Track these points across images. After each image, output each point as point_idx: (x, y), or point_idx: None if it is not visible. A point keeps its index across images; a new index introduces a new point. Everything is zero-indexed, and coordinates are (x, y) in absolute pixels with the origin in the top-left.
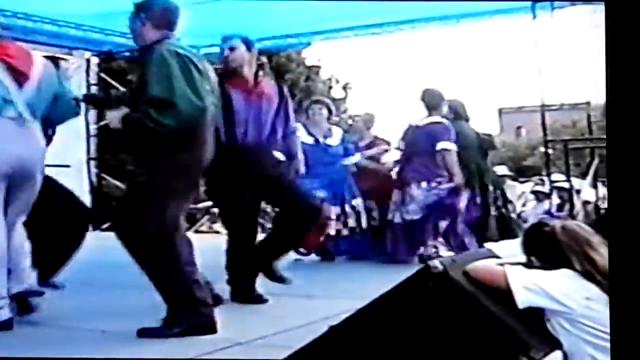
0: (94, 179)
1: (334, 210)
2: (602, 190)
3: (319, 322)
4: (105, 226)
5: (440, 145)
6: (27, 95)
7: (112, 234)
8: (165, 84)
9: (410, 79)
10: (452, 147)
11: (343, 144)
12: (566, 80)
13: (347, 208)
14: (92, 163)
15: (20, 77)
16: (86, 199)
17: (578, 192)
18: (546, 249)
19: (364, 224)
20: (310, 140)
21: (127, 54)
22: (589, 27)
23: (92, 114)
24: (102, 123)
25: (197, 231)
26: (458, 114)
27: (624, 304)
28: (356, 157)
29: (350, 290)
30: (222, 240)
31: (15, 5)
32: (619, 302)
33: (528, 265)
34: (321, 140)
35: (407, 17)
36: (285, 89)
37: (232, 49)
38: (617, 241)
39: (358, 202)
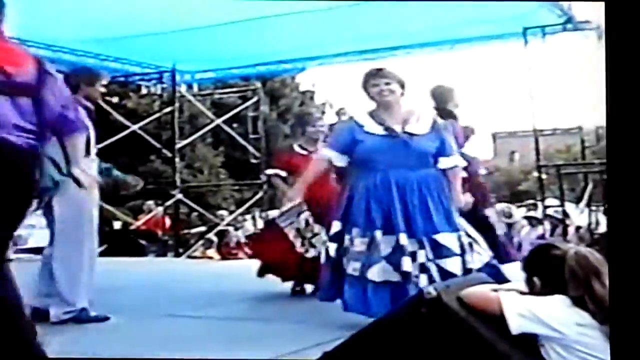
0: None
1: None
2: (595, 216)
3: (312, 348)
4: (99, 251)
5: None
6: None
7: (106, 259)
8: None
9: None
10: None
11: (436, 134)
12: (559, 105)
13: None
14: None
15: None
16: None
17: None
18: (552, 271)
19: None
20: (380, 130)
21: (122, 79)
22: (581, 53)
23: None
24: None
25: (189, 257)
26: None
27: (624, 332)
28: (457, 159)
29: (345, 317)
30: (216, 266)
31: (9, 31)
32: (618, 329)
33: (529, 288)
34: (399, 129)
35: (401, 42)
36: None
37: None
38: (616, 265)
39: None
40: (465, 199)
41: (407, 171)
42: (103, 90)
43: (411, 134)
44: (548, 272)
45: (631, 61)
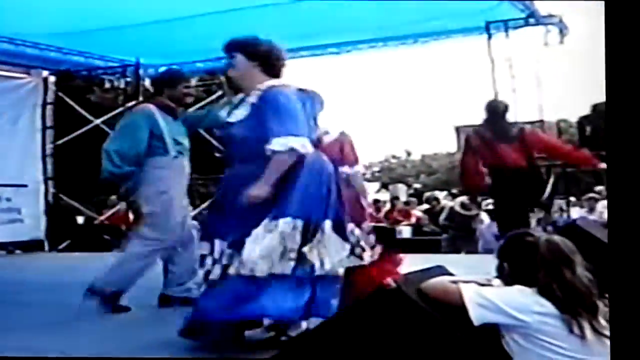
0: (51, 198)
1: None
2: (559, 207)
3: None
4: (62, 246)
5: None
6: None
7: (69, 255)
8: None
9: (367, 100)
10: None
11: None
12: (521, 99)
13: None
14: (50, 183)
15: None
16: (42, 218)
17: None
18: (523, 257)
19: None
20: None
21: (84, 72)
22: (543, 46)
23: (49, 133)
24: (58, 142)
25: None
26: None
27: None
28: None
29: None
30: None
31: None
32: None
33: (498, 274)
34: None
35: (364, 37)
36: None
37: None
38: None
39: None
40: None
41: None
42: (186, 90)
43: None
44: (520, 258)
45: (630, 60)
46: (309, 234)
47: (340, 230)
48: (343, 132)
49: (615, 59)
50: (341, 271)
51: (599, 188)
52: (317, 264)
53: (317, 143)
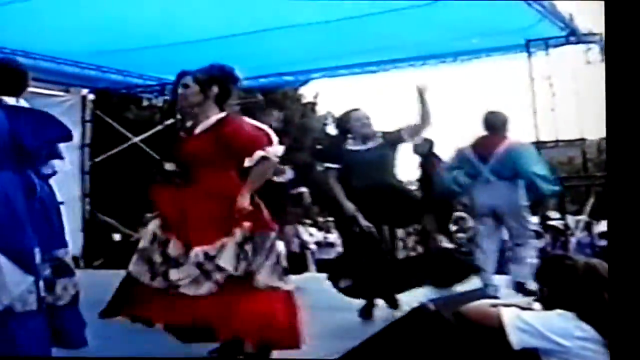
0: (87, 215)
1: None
2: (598, 229)
3: None
4: (97, 263)
5: None
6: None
7: (103, 272)
8: None
9: (406, 118)
10: None
11: None
12: (561, 117)
13: None
14: (86, 200)
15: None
16: (79, 235)
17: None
18: (562, 281)
19: None
20: None
21: (123, 91)
22: (583, 65)
23: (87, 150)
24: (96, 160)
25: None
26: None
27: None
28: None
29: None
30: None
31: (14, 43)
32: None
33: (538, 298)
34: None
35: (404, 55)
36: None
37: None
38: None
39: None
40: None
41: None
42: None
43: None
44: (558, 281)
45: (630, 71)
46: None
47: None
48: None
49: (615, 59)
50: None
51: None
52: None
53: None
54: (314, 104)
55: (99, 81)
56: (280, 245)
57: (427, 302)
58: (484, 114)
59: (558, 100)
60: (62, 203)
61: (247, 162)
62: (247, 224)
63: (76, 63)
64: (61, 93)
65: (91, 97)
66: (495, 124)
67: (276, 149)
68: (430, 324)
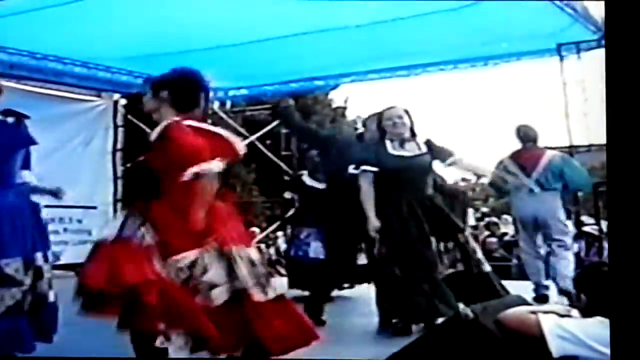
0: None
1: None
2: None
3: None
4: None
5: None
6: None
7: None
8: None
9: (437, 122)
10: None
11: None
12: (594, 122)
13: None
14: (118, 205)
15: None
16: None
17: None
18: (600, 288)
19: None
20: None
21: None
22: None
23: (119, 155)
24: (128, 164)
25: None
26: None
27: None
28: None
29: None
30: None
31: (46, 48)
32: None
33: (576, 305)
34: None
35: (434, 59)
36: None
37: None
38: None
39: None
40: None
41: None
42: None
43: None
44: (597, 289)
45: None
46: None
47: None
48: None
49: (616, 59)
50: None
51: None
52: None
53: None
54: (344, 109)
55: (131, 86)
56: (254, 254)
57: (466, 309)
58: (518, 127)
59: (591, 105)
60: (94, 207)
61: (183, 178)
62: (210, 240)
63: (108, 68)
64: (93, 98)
65: (123, 102)
66: (530, 136)
67: (211, 166)
68: (469, 331)
